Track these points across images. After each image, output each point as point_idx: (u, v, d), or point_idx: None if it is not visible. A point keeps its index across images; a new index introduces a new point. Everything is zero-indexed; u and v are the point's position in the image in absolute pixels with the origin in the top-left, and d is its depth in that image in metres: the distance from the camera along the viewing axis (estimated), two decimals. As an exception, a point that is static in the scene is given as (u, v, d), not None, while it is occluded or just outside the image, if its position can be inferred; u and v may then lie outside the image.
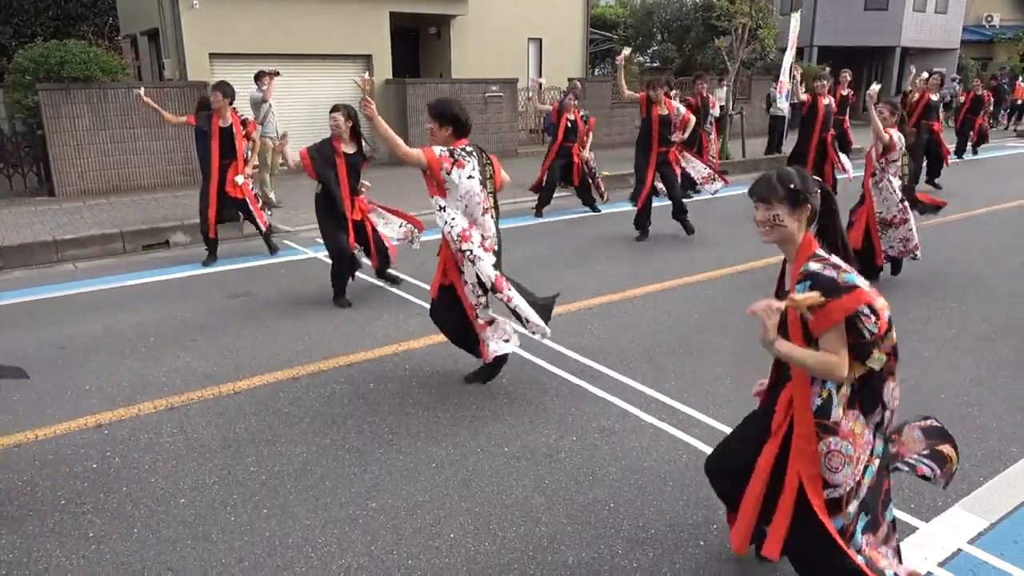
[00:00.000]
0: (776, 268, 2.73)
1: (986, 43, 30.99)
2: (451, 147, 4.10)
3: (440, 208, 4.11)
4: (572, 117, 9.74)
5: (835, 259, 2.34)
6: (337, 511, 3.31)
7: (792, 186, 2.36)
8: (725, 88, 14.52)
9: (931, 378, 4.65)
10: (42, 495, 3.44)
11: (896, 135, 6.15)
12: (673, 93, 9.52)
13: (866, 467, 2.42)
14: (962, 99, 16.28)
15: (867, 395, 2.40)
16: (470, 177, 4.06)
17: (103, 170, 11.50)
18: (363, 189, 6.29)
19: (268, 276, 7.13)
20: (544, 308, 4.40)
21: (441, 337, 5.36)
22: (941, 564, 2.94)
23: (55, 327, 5.74)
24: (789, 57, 13.85)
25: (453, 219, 4.10)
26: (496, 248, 4.25)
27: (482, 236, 4.17)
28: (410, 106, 14.44)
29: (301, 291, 6.54)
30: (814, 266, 2.29)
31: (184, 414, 4.25)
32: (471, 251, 4.10)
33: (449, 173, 4.01)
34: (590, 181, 10.06)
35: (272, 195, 10.33)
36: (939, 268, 7.17)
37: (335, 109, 6.01)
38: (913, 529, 3.14)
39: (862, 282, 2.27)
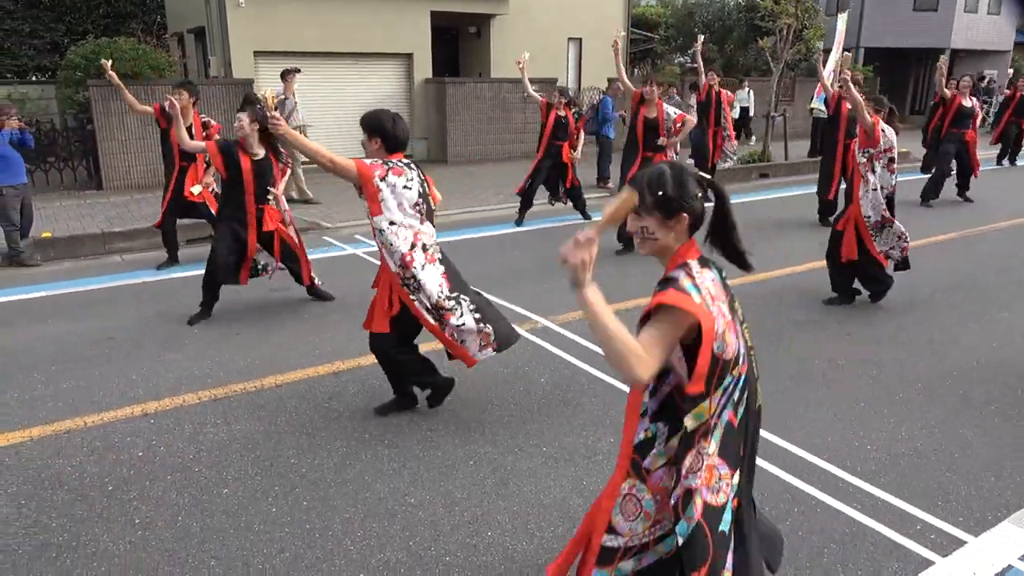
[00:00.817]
0: (785, 277, 2.69)
1: (1040, 45, 30.08)
2: (393, 161, 3.83)
3: (379, 231, 3.73)
4: (562, 113, 9.08)
5: (702, 276, 1.98)
6: (376, 505, 3.33)
7: (661, 193, 1.97)
8: (747, 89, 14.32)
9: (977, 387, 4.52)
10: (90, 481, 3.53)
11: (888, 130, 5.69)
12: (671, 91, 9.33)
13: (664, 536, 2.10)
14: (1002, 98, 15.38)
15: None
16: (406, 187, 3.75)
17: (149, 165, 11.74)
18: (271, 198, 5.80)
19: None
20: (506, 335, 4.06)
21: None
22: (991, 580, 2.86)
23: (103, 318, 5.88)
24: (834, 58, 13.61)
25: (392, 244, 3.71)
26: (440, 256, 3.91)
27: (424, 246, 3.81)
28: (449, 105, 14.52)
29: (340, 286, 6.60)
30: (675, 273, 1.98)
31: (227, 406, 4.32)
32: (414, 277, 3.75)
33: (384, 179, 3.69)
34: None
35: (308, 192, 10.48)
36: (989, 279, 6.98)
37: (241, 109, 5.67)
38: (962, 543, 3.06)
39: (704, 301, 1.92)
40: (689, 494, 1.99)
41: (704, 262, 2.04)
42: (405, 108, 15.21)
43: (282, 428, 4.05)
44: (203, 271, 5.76)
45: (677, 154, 7.98)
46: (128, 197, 10.67)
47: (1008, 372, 4.79)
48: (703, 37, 8.74)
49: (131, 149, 11.57)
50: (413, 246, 3.78)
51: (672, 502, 2.03)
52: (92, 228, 8.42)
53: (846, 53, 9.53)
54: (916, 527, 3.17)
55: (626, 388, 4.47)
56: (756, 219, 9.57)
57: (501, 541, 3.09)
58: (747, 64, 21.31)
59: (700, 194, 2.01)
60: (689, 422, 1.96)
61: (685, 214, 1.98)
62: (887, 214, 5.82)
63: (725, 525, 2.04)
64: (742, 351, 2.04)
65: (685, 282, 1.94)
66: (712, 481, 2.01)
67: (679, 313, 1.90)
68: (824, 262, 6.19)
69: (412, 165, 3.88)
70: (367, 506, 3.33)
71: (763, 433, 3.92)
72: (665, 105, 7.71)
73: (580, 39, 17.60)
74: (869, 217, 5.83)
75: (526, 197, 9.24)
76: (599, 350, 5.09)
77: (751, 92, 15.01)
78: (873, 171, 5.77)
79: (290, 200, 9.61)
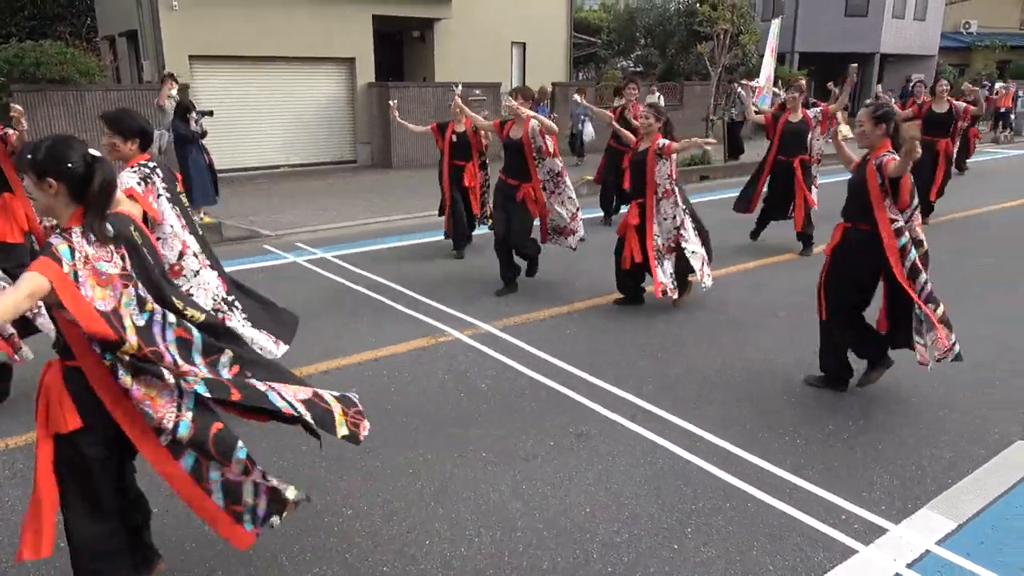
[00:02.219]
0: (747, 274, 2.76)
1: (964, 50, 31.43)
2: (140, 164, 3.47)
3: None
4: (460, 129, 7.56)
5: (81, 241, 2.20)
6: (313, 519, 3.30)
7: (30, 157, 2.18)
8: (657, 95, 14.52)
9: (902, 380, 4.71)
10: (11, 504, 3.41)
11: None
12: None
13: (178, 421, 2.35)
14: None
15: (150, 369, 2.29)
16: (161, 197, 3.46)
17: (81, 173, 11.40)
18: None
19: (246, 281, 7.07)
20: (283, 325, 3.96)
21: (422, 341, 5.39)
22: (910, 565, 2.98)
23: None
24: (769, 62, 13.98)
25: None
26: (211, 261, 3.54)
27: (194, 254, 3.54)
28: (392, 109, 14.42)
29: (279, 296, 6.50)
30: (53, 239, 2.18)
31: (160, 420, 4.21)
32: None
33: (158, 199, 3.36)
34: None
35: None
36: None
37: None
38: (883, 531, 3.18)
39: (76, 264, 2.16)
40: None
41: (88, 228, 2.23)
42: (348, 113, 15.09)
43: (217, 442, 3.97)
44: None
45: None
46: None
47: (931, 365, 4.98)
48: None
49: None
50: (182, 255, 3.64)
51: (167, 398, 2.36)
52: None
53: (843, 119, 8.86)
54: (841, 517, 3.28)
55: (568, 393, 4.53)
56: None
57: (439, 549, 3.10)
58: (688, 68, 21.70)
59: (79, 166, 2.20)
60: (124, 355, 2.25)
61: (54, 180, 2.18)
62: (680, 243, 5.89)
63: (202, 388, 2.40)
64: (142, 293, 2.33)
65: (61, 247, 2.16)
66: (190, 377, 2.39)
67: (37, 277, 2.11)
68: (752, 262, 6.35)
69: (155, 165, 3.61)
70: (303, 520, 3.29)
71: (694, 430, 4.03)
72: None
73: (524, 43, 17.71)
74: (657, 236, 5.84)
75: (457, 229, 7.79)
76: (541, 354, 5.14)
77: (661, 97, 15.23)
78: (675, 202, 5.81)
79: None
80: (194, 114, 8.99)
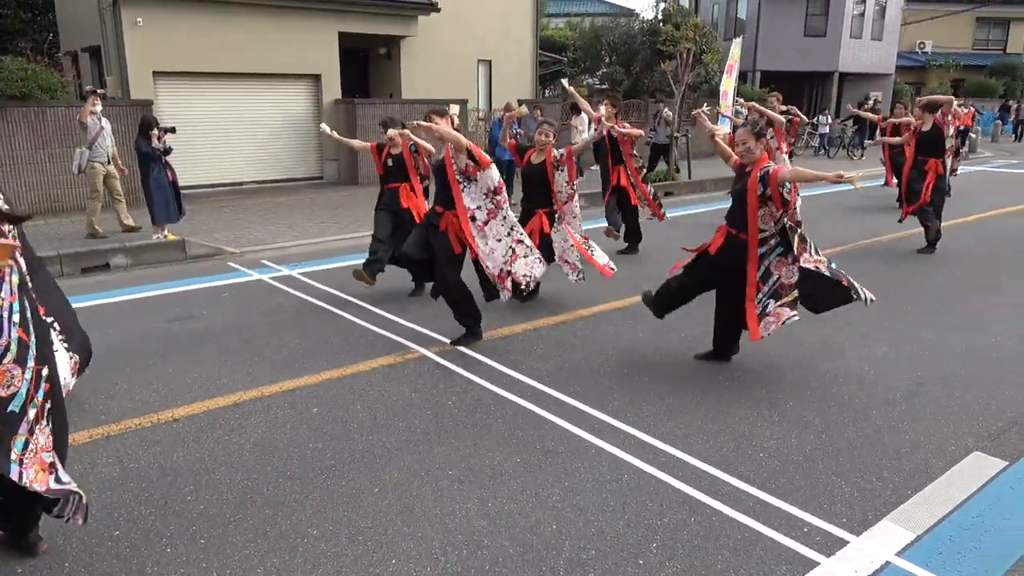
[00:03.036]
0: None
1: (919, 69, 32.36)
2: None
3: None
4: (396, 152, 6.97)
5: None
6: (277, 540, 3.26)
7: None
8: (667, 111, 14.80)
9: (864, 392, 4.80)
10: (-34, 531, 3.31)
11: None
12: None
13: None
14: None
15: None
16: None
17: (41, 190, 11.20)
18: None
19: (210, 299, 7.02)
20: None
21: (388, 359, 5.37)
22: (870, 576, 3.03)
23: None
24: (729, 81, 14.23)
25: None
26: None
27: None
28: (360, 126, 14.43)
29: (244, 314, 6.45)
30: None
31: (120, 443, 4.14)
32: None
33: None
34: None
35: (98, 227, 9.22)
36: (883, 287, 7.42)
37: None
38: (844, 543, 3.24)
39: None
40: None
41: None
42: (314, 129, 15.03)
43: (178, 464, 3.91)
44: (94, 302, 5.50)
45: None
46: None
47: (892, 378, 5.09)
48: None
49: (21, 174, 11.00)
50: None
51: None
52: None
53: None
54: (803, 530, 3.33)
55: (535, 409, 4.55)
56: (667, 234, 9.89)
57: (406, 568, 3.08)
58: (652, 86, 22.03)
59: None
60: None
61: None
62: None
63: (15, 406, 2.80)
64: None
65: None
66: (3, 381, 2.77)
67: None
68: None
69: None
70: (268, 541, 3.25)
71: (660, 445, 4.07)
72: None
73: (490, 61, 17.83)
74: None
75: (371, 263, 6.90)
76: (507, 370, 5.15)
77: (668, 111, 15.32)
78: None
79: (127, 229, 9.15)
80: (156, 130, 8.90)
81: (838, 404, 4.66)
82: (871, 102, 21.76)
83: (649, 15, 30.05)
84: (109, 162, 9.30)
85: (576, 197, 6.67)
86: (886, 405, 4.66)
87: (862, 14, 26.09)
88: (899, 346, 5.71)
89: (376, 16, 15.05)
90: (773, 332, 4.89)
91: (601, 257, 6.79)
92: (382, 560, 3.13)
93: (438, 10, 15.54)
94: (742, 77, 18.01)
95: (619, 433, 4.25)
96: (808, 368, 5.27)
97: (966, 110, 21.63)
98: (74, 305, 6.72)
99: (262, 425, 4.35)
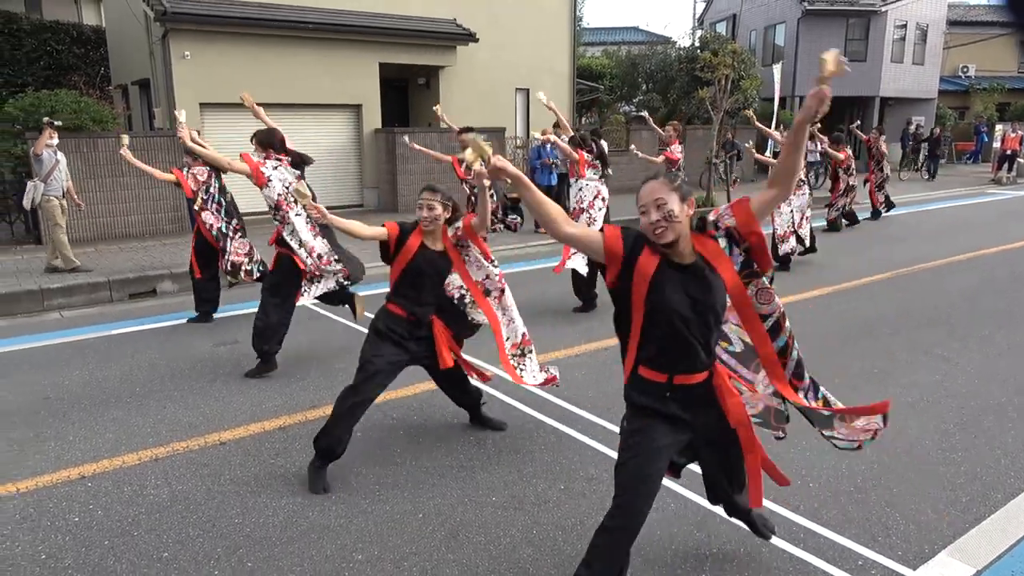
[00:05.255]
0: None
1: (963, 93, 31.83)
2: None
3: None
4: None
5: None
6: (323, 564, 3.27)
7: None
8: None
9: (916, 422, 4.68)
10: (22, 550, 3.39)
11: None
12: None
13: None
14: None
15: None
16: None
17: (92, 218, 11.53)
18: None
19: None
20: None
21: (430, 385, 5.37)
22: (930, 613, 2.93)
23: (39, 376, 5.69)
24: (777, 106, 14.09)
25: None
26: None
27: None
28: (399, 155, 14.63)
29: (290, 339, 6.52)
30: None
31: (169, 465, 4.21)
32: None
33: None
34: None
35: (74, 258, 9.00)
36: (932, 313, 7.26)
37: None
38: (901, 577, 3.14)
39: None
40: None
41: None
42: (355, 158, 15.30)
43: (226, 487, 3.95)
44: (141, 327, 5.63)
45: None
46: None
47: (943, 407, 4.96)
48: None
49: (69, 202, 11.35)
50: None
51: None
52: (29, 284, 8.19)
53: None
54: (858, 563, 3.23)
55: (578, 436, 4.51)
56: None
57: (451, 595, 3.06)
58: (689, 112, 22.01)
59: None
60: None
61: None
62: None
63: None
64: None
65: None
66: None
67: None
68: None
69: None
70: (314, 564, 3.26)
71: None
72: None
73: (527, 89, 18.00)
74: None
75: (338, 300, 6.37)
76: (549, 397, 5.12)
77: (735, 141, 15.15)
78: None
79: (55, 269, 8.77)
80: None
81: (889, 433, 4.53)
82: (914, 127, 21.41)
83: (686, 43, 30.12)
84: (64, 196, 9.10)
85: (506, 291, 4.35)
86: (939, 435, 4.53)
87: (903, 38, 25.81)
88: (949, 374, 5.55)
89: (416, 47, 15.32)
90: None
91: (533, 376, 4.38)
92: (427, 586, 3.11)
93: (476, 40, 15.77)
94: (782, 102, 17.90)
95: (664, 461, 4.19)
96: (856, 396, 5.15)
97: (1014, 133, 21.26)
98: (126, 329, 6.95)
99: (307, 450, 4.37)
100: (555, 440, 4.50)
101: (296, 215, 5.51)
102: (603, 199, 7.32)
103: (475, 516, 3.65)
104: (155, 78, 13.88)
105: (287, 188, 5.38)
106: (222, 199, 7.03)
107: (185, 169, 7.04)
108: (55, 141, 8.94)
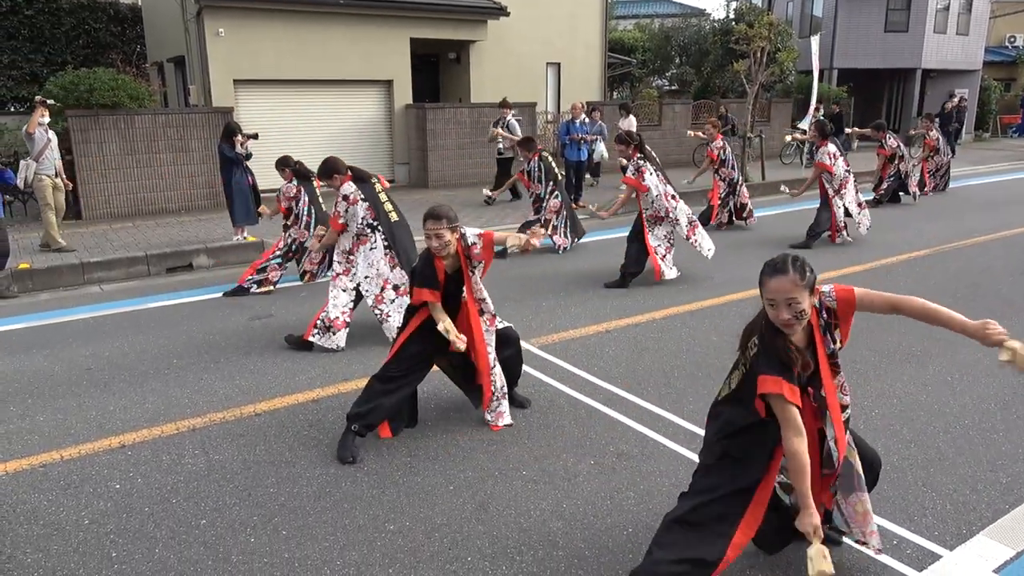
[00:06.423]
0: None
1: (1009, 64, 30.80)
2: None
3: None
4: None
5: None
6: (355, 533, 3.32)
7: None
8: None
9: (955, 401, 4.59)
10: (66, 515, 3.49)
11: None
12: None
13: None
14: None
15: None
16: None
17: (129, 194, 11.74)
18: None
19: (289, 299, 7.21)
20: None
21: (460, 360, 5.40)
22: (966, 593, 2.88)
23: (81, 348, 5.83)
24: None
25: None
26: None
27: None
28: (430, 130, 14.63)
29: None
30: None
31: (206, 436, 4.29)
32: None
33: None
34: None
35: (60, 239, 8.97)
36: (967, 292, 7.09)
37: None
38: (937, 557, 3.09)
39: None
40: None
41: None
42: (386, 134, 15.31)
43: (261, 457, 4.03)
44: (178, 300, 5.72)
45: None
46: (107, 227, 10.62)
47: (984, 386, 4.85)
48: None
49: (110, 179, 11.55)
50: None
51: None
52: (70, 258, 8.37)
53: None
54: (893, 542, 3.19)
55: (608, 411, 4.51)
56: (735, 239, 9.69)
57: (481, 566, 3.09)
58: (724, 86, 21.63)
59: None
60: None
61: None
62: None
63: None
64: None
65: None
66: None
67: None
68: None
69: None
70: (346, 534, 3.31)
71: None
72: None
73: (559, 64, 17.81)
74: None
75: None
76: (579, 372, 5.12)
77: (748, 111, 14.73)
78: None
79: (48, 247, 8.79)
80: (240, 136, 9.21)
81: (927, 412, 4.46)
82: (956, 99, 20.74)
83: (720, 15, 29.52)
84: (57, 175, 9.08)
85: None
86: (979, 413, 4.44)
87: (947, 7, 24.95)
88: (989, 352, 5.41)
89: (447, 22, 15.23)
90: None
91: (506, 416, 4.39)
92: (458, 557, 3.15)
93: (507, 14, 15.62)
94: (819, 75, 17.45)
95: (694, 437, 4.17)
96: (893, 376, 5.07)
97: None
98: (163, 303, 7.09)
99: (339, 421, 4.43)
100: (585, 415, 4.50)
101: (373, 248, 5.52)
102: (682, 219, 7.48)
103: (505, 489, 3.67)
104: (190, 55, 13.99)
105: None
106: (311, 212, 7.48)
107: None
108: (47, 119, 8.88)
